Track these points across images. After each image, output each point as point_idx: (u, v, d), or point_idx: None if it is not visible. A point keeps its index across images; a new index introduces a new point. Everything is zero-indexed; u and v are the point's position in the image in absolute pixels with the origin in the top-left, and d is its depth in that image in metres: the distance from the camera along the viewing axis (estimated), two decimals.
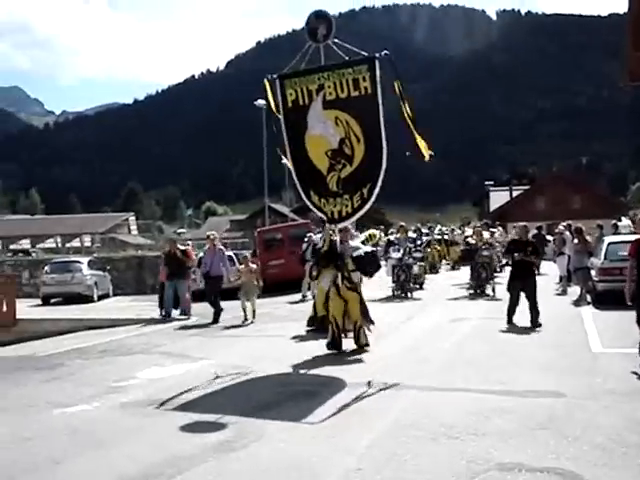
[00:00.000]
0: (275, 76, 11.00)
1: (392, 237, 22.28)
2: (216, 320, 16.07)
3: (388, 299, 19.15)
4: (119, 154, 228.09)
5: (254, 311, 15.97)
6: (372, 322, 11.54)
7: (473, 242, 20.49)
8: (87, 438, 6.66)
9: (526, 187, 72.93)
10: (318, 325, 12.82)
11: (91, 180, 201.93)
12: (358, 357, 10.61)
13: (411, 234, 22.91)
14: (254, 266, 16.75)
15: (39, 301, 25.46)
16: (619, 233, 21.61)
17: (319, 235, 13.60)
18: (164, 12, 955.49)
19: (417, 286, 21.36)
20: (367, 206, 10.40)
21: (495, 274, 20.85)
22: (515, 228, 13.36)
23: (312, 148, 10.79)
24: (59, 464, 5.94)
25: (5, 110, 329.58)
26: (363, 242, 13.07)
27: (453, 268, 30.55)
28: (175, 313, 17.63)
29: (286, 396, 8.09)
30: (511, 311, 13.25)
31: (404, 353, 10.89)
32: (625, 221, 31.63)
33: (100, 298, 26.10)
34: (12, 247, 61.91)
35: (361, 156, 10.29)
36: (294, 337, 12.99)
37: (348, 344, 11.12)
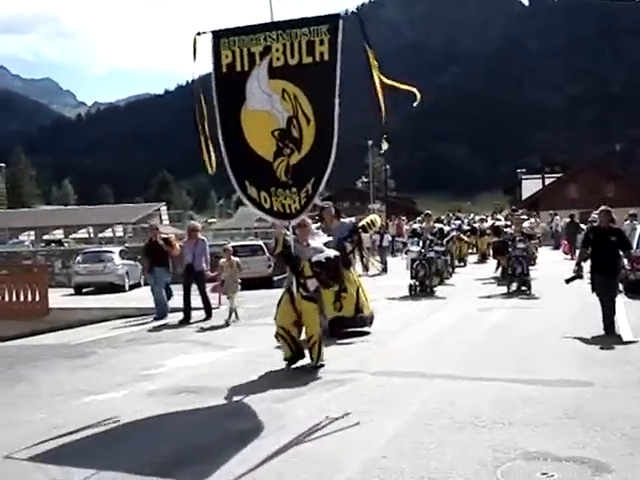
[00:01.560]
0: (208, 32, 9.00)
1: (416, 226, 20.99)
2: (208, 316, 14.95)
3: (405, 297, 17.41)
4: (150, 144, 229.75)
5: (235, 311, 14.35)
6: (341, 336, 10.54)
7: (509, 232, 18.87)
8: (116, 425, 6.73)
9: (559, 175, 72.16)
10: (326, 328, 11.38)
11: (123, 170, 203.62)
12: (379, 348, 10.61)
13: (437, 224, 21.02)
14: (236, 259, 15.33)
15: (71, 290, 25.76)
16: None
17: (314, 226, 11.79)
18: (190, 1, 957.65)
19: (438, 281, 19.35)
20: (311, 204, 8.74)
21: (531, 268, 19.34)
22: (595, 213, 11.46)
23: (251, 127, 8.77)
24: (88, 451, 6.03)
25: (38, 102, 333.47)
26: (363, 228, 12.47)
27: (482, 261, 28.42)
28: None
29: (312, 385, 8.12)
30: (607, 316, 10.85)
31: (427, 344, 10.87)
32: None
33: (131, 287, 26.30)
34: (45, 237, 62.71)
35: (311, 142, 8.42)
36: None
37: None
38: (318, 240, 10.15)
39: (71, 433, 6.56)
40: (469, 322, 12.93)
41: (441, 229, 20.10)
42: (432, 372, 8.53)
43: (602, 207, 11.65)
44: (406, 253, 19.84)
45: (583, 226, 29.60)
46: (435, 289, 18.30)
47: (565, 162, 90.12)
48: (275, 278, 24.02)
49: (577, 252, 29.35)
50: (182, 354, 10.69)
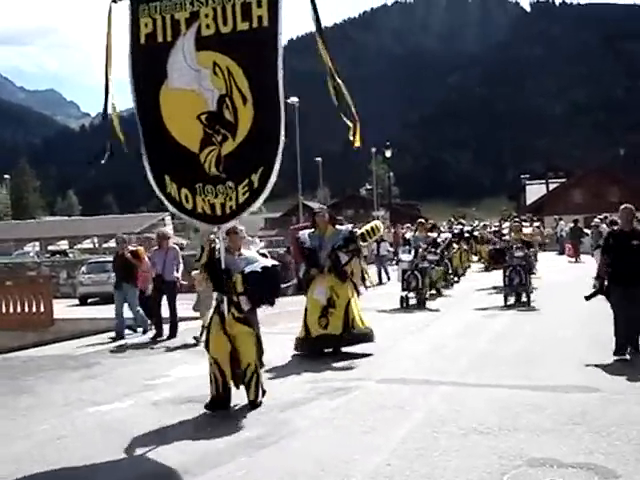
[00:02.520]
0: None
1: (409, 235, 19.40)
2: (173, 334, 13.77)
3: (396, 310, 16.24)
4: None
5: (203, 327, 11.71)
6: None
7: (507, 239, 17.60)
8: (120, 436, 6.72)
9: (562, 180, 72.12)
10: (309, 347, 10.57)
11: (127, 180, 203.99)
12: (384, 356, 10.58)
13: (432, 234, 19.22)
14: None
15: (76, 301, 25.75)
16: None
17: (306, 232, 11.40)
18: None
19: (434, 293, 18.41)
20: (259, 201, 7.15)
21: (532, 276, 17.83)
22: (618, 212, 9.34)
23: (172, 110, 7.36)
24: (92, 462, 6.01)
25: (42, 113, 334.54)
26: (362, 236, 11.09)
27: (487, 270, 25.40)
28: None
29: (317, 393, 8.10)
30: (620, 334, 9.17)
31: (431, 351, 10.84)
32: None
33: None
34: (50, 248, 62.77)
35: (248, 125, 6.99)
36: None
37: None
38: (253, 249, 9.12)
39: (75, 444, 6.55)
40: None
41: (435, 238, 18.78)
42: (437, 379, 8.51)
43: (624, 205, 9.68)
44: (397, 263, 18.69)
45: (587, 231, 30.11)
46: (429, 301, 17.13)
47: (569, 168, 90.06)
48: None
49: (581, 256, 30.27)
50: (186, 364, 10.67)
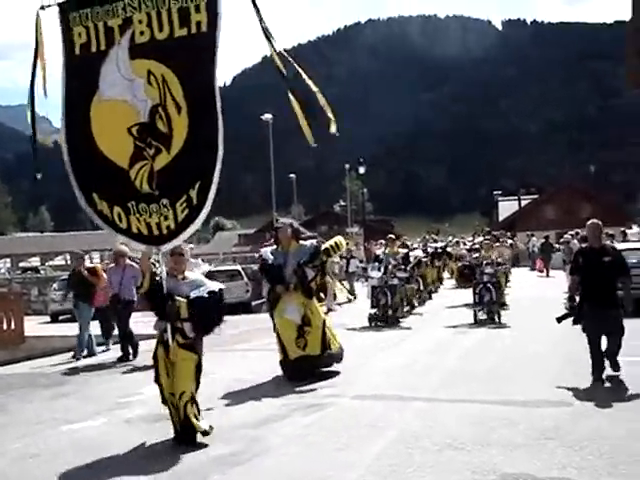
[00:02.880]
0: (53, 4, 7.08)
1: (379, 252, 18.91)
2: (135, 353, 13.24)
3: (365, 328, 16.05)
4: None
5: None
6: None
7: (475, 256, 17.51)
8: (93, 454, 6.65)
9: (535, 196, 72.82)
10: (290, 370, 9.98)
11: None
12: (355, 373, 10.60)
13: (402, 250, 19.02)
14: None
15: (48, 318, 25.50)
16: (628, 241, 21.62)
17: (267, 249, 10.99)
18: None
19: (406, 310, 18.01)
20: (200, 218, 6.68)
21: (503, 293, 18.19)
22: (583, 229, 8.94)
23: (102, 122, 6.89)
24: None
25: (14, 128, 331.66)
26: (326, 251, 10.65)
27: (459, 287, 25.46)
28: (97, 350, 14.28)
29: (290, 409, 8.08)
30: (597, 363, 8.69)
31: (403, 367, 10.86)
32: (635, 229, 31.82)
33: None
34: (22, 265, 62.15)
35: (184, 135, 6.55)
36: None
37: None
38: (197, 271, 8.53)
39: (48, 462, 6.48)
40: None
41: (406, 254, 18.48)
42: (409, 395, 8.53)
43: (591, 221, 9.20)
44: (366, 280, 18.35)
45: (557, 245, 30.89)
46: (401, 319, 16.87)
47: (541, 184, 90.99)
48: (253, 303, 23.99)
49: (551, 271, 30.90)
50: None
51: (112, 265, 14.00)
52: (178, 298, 6.83)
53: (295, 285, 10.15)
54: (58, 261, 67.55)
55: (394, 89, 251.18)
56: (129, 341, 13.31)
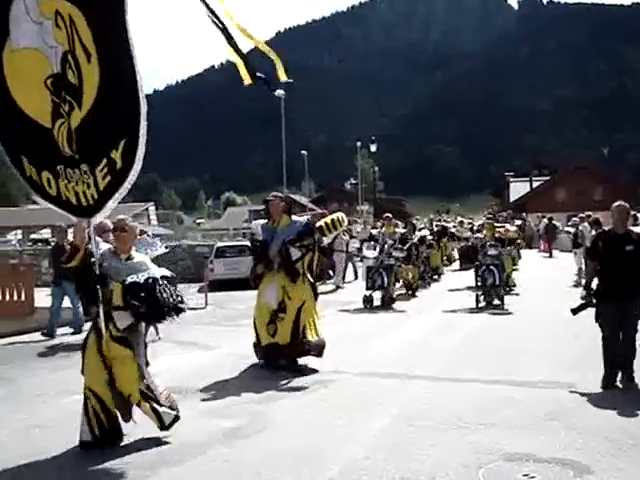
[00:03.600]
0: None
1: (375, 231, 18.10)
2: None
3: (360, 310, 15.30)
4: None
5: None
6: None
7: (480, 237, 16.39)
8: None
9: (547, 178, 72.44)
10: (261, 355, 9.33)
11: None
12: (360, 351, 10.61)
13: (399, 230, 17.68)
14: None
15: None
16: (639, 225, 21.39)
17: (259, 222, 9.76)
18: (181, 1, 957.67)
19: (409, 293, 17.57)
20: (126, 185, 5.64)
21: (510, 276, 17.46)
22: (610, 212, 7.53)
23: (17, 75, 5.95)
24: (69, 451, 6.00)
25: None
26: (320, 229, 9.49)
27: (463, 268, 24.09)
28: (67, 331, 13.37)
29: (293, 386, 8.14)
30: (610, 360, 7.66)
31: (402, 349, 10.85)
32: None
33: None
34: (33, 237, 62.41)
35: (95, 87, 5.54)
36: None
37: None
38: (150, 253, 7.31)
39: (51, 433, 6.53)
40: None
41: (403, 234, 17.49)
42: (413, 373, 8.55)
43: (618, 203, 8.07)
44: (361, 260, 17.58)
45: (557, 223, 32.57)
46: (399, 301, 16.11)
47: (553, 165, 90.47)
48: None
49: (554, 251, 31.09)
50: (167, 354, 10.63)
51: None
52: (113, 282, 5.99)
53: (279, 265, 9.12)
54: (70, 233, 67.83)
55: (408, 67, 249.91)
56: None
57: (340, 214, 10.07)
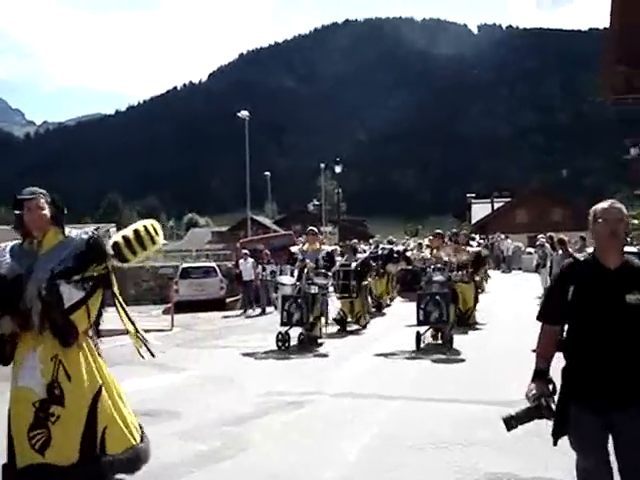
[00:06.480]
0: None
1: (294, 249, 14.38)
2: None
3: (269, 353, 12.25)
4: (100, 165, 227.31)
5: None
6: None
7: (423, 258, 13.13)
8: None
9: (508, 199, 73.37)
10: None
11: (72, 191, 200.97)
12: (334, 371, 10.55)
13: (325, 247, 14.47)
14: None
15: None
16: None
17: (8, 244, 4.93)
18: (146, 22, 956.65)
19: (327, 330, 13.98)
20: None
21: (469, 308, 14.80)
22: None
23: None
24: None
25: None
26: (127, 244, 4.81)
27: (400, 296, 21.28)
28: None
29: (268, 407, 8.04)
30: None
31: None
32: None
33: None
34: None
35: None
36: (270, 351, 12.52)
37: None
38: None
39: None
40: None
41: (329, 252, 13.92)
42: (389, 394, 8.51)
43: (606, 203, 3.84)
44: (276, 289, 14.67)
45: (530, 249, 33.70)
46: (317, 343, 12.94)
47: (513, 188, 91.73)
48: (228, 300, 23.92)
49: (524, 274, 31.53)
50: (137, 377, 10.47)
51: None
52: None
53: (41, 319, 4.74)
54: None
55: (370, 90, 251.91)
56: None
57: (151, 221, 5.27)
